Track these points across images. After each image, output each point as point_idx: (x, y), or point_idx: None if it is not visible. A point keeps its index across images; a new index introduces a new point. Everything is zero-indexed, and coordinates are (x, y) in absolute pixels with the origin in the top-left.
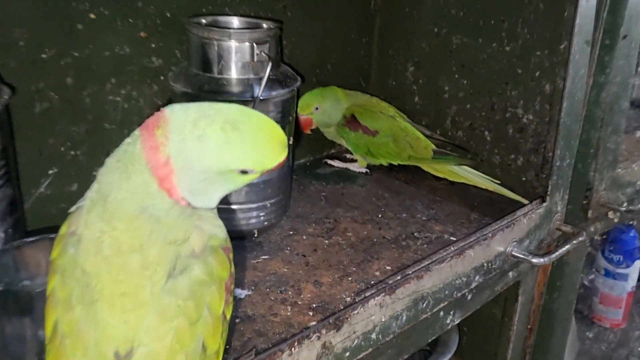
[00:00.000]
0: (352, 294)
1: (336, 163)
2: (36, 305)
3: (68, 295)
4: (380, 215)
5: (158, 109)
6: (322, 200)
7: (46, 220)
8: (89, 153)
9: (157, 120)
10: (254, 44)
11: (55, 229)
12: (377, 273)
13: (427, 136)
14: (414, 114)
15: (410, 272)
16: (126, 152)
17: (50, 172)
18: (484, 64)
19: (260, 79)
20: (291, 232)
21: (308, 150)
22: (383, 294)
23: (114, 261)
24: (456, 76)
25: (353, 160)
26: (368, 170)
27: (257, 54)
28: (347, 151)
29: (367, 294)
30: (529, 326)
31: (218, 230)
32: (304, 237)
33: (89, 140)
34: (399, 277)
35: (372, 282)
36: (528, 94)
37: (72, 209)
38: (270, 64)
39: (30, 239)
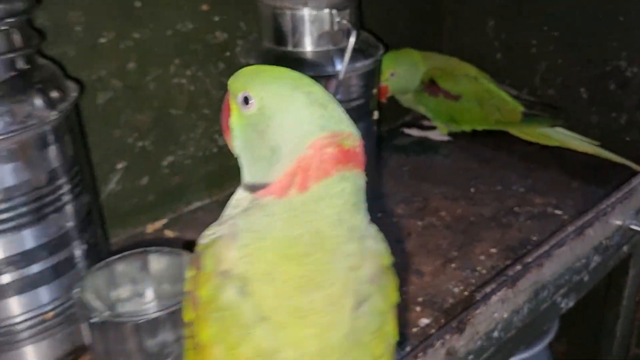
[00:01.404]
0: (459, 284)
1: (414, 132)
2: (140, 333)
3: (238, 344)
4: (472, 190)
5: (225, 90)
6: (406, 176)
7: (118, 219)
8: (157, 143)
9: None
10: (334, 11)
11: (136, 235)
12: (482, 257)
13: (513, 97)
14: (496, 74)
15: (530, 260)
16: None
17: (119, 166)
18: (578, 12)
19: (341, 51)
20: (379, 214)
21: (382, 119)
22: (505, 287)
23: (296, 302)
24: (545, 28)
25: (432, 128)
26: (450, 138)
27: (337, 22)
28: (424, 117)
29: (488, 289)
30: (637, 299)
31: (381, 245)
32: (394, 219)
33: (156, 129)
34: (518, 267)
35: (478, 269)
36: (632, 44)
37: (205, 240)
38: (354, 32)
39: (125, 253)
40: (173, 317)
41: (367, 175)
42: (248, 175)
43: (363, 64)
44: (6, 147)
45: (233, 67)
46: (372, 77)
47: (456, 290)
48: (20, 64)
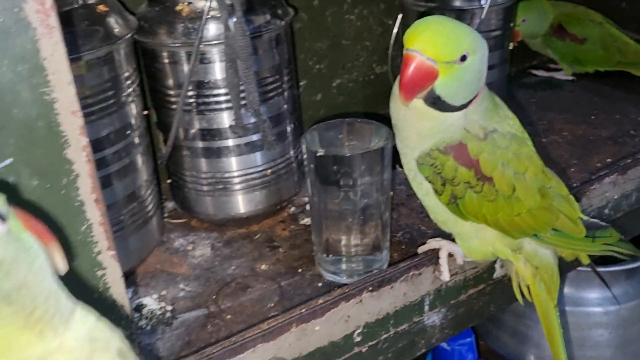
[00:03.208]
0: (578, 182)
1: (541, 72)
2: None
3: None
4: (593, 117)
5: (383, 26)
6: (533, 106)
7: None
8: (329, 66)
9: None
10: None
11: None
12: (599, 165)
13: (636, 41)
14: (620, 21)
15: None
16: None
17: (301, 83)
18: None
19: None
20: None
21: (511, 61)
22: (616, 173)
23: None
24: None
25: (558, 69)
26: (574, 78)
27: None
28: (550, 61)
29: (602, 173)
30: None
31: None
32: None
33: (330, 55)
34: (629, 160)
35: (594, 171)
36: None
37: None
38: None
39: (328, 122)
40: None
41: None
42: (458, 102)
43: (503, 0)
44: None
45: (391, 8)
46: (509, 12)
47: (575, 185)
48: None
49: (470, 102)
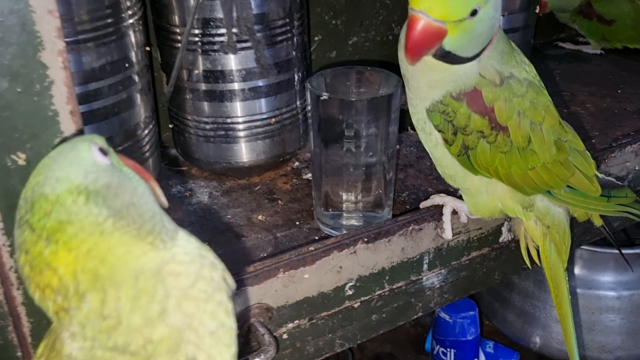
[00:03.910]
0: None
1: (568, 45)
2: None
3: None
4: (619, 91)
5: None
6: (557, 77)
7: None
8: (346, 22)
9: None
10: None
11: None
12: (621, 137)
13: None
14: None
15: None
16: None
17: (316, 38)
18: None
19: None
20: None
21: (537, 32)
22: (639, 142)
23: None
24: None
25: (586, 43)
26: (603, 52)
27: None
28: (578, 34)
29: (624, 141)
30: None
31: None
32: None
33: (347, 11)
34: None
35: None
36: None
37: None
38: None
39: (336, 68)
40: (374, 104)
41: None
42: (469, 53)
43: None
44: None
45: None
46: None
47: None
48: None
49: (484, 49)
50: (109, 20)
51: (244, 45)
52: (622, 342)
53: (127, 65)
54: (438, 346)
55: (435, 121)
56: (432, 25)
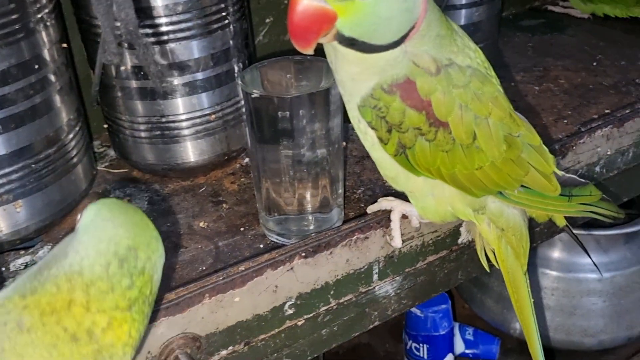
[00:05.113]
0: (568, 134)
1: (557, 8)
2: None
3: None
4: (595, 63)
5: None
6: (530, 51)
7: None
8: None
9: None
10: None
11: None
12: (595, 116)
13: None
14: None
15: None
16: None
17: (267, 20)
18: None
19: None
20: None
21: (511, 2)
22: (611, 126)
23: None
24: None
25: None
26: (591, 16)
27: None
28: (554, 2)
29: (594, 125)
30: None
31: None
32: (512, 84)
33: None
34: (628, 111)
35: (589, 124)
36: None
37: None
38: None
39: (273, 59)
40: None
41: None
42: (382, 40)
43: None
44: None
45: None
46: None
47: (561, 136)
48: None
49: (406, 35)
50: (13, 17)
51: (170, 37)
52: (605, 325)
53: (38, 66)
54: (411, 341)
55: (367, 117)
56: (312, 6)
